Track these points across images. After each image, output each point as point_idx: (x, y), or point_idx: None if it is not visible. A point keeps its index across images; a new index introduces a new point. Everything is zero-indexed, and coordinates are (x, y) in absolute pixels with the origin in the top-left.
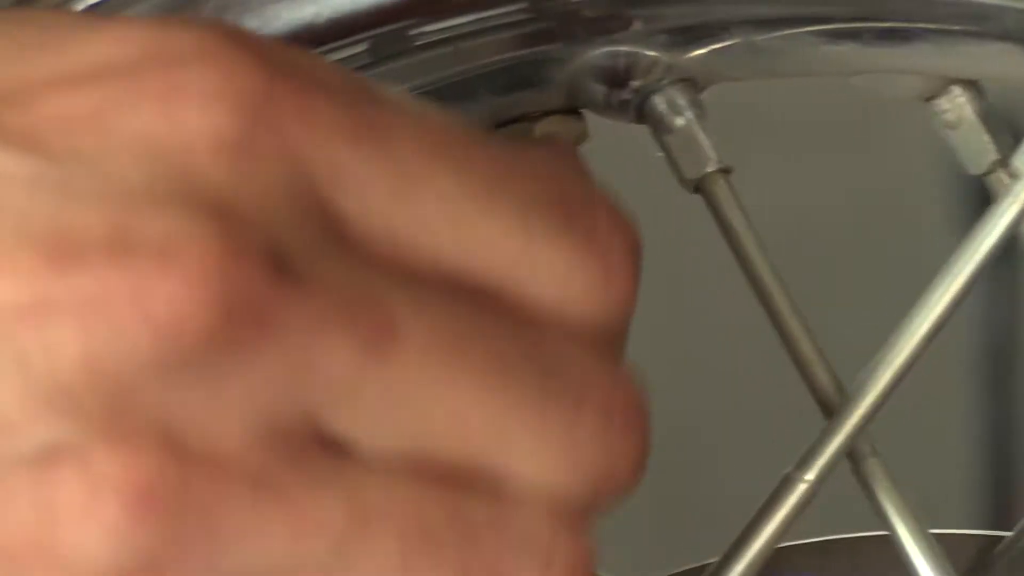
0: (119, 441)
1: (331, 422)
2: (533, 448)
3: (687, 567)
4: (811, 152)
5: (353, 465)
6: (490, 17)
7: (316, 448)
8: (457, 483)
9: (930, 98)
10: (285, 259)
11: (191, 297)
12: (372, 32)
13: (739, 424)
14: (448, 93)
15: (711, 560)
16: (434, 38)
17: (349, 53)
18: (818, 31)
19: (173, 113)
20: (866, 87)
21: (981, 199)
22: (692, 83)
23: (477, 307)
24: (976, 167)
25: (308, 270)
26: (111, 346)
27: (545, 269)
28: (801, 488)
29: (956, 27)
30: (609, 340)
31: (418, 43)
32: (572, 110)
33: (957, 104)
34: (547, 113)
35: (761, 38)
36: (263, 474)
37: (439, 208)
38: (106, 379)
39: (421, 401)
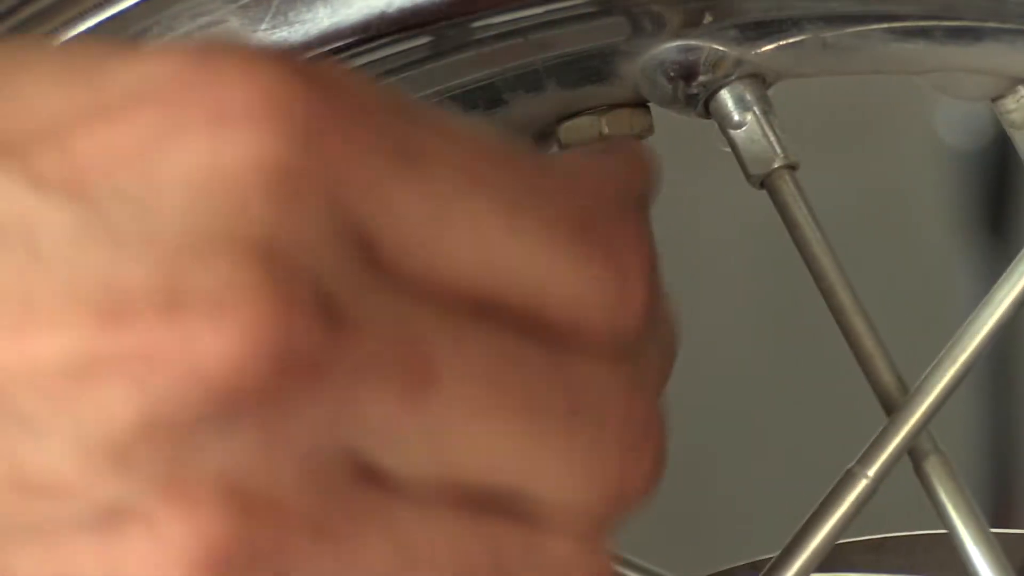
0: (182, 500)
1: (372, 457)
2: (560, 471)
3: (747, 561)
4: (812, 151)
5: (395, 499)
6: (560, 9)
7: (360, 485)
8: (490, 511)
9: (996, 98)
10: (332, 303)
11: (244, 352)
12: (443, 22)
13: (749, 425)
14: (516, 85)
15: (769, 555)
16: (504, 29)
17: (415, 44)
18: (889, 28)
19: (218, 140)
20: (933, 86)
21: (982, 200)
22: (760, 79)
23: (506, 338)
24: None
25: (353, 312)
26: (165, 404)
27: (564, 285)
28: (862, 484)
29: None
30: (627, 354)
31: (488, 34)
32: (639, 104)
33: (1023, 104)
34: (614, 106)
35: (831, 34)
36: (319, 517)
37: (469, 230)
38: (163, 437)
39: (457, 435)
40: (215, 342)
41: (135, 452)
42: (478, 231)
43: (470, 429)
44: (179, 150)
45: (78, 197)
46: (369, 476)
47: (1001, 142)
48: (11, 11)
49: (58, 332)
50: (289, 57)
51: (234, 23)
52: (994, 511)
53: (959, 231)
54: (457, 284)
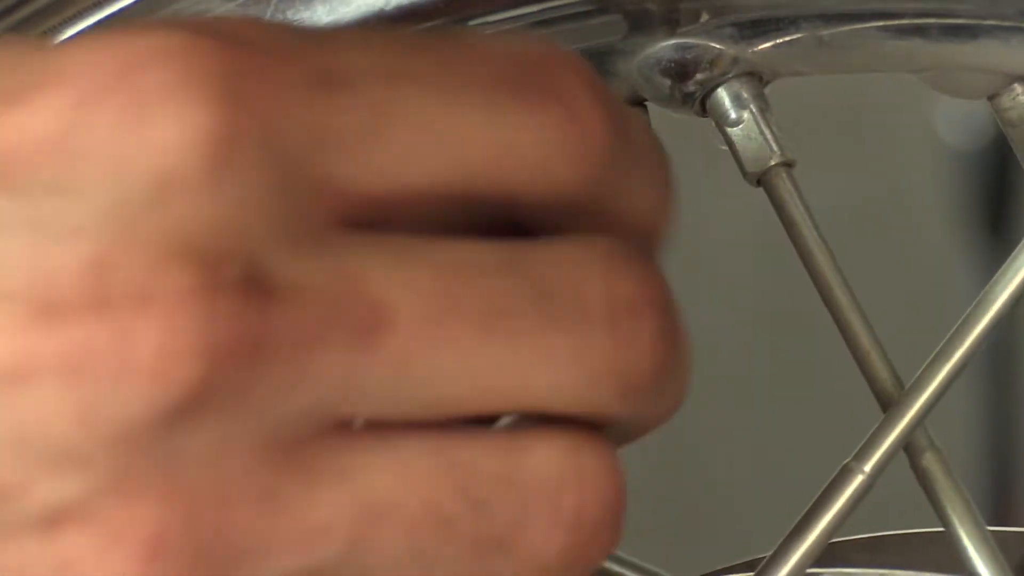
0: (123, 494)
1: (335, 411)
2: (545, 378)
3: (744, 559)
4: (812, 151)
5: (361, 450)
6: (556, 8)
7: (320, 446)
8: (467, 442)
9: (992, 96)
10: (264, 275)
11: (176, 344)
12: (440, 21)
13: (749, 424)
14: None
15: (766, 554)
16: (500, 28)
17: None
18: (885, 26)
19: (140, 122)
20: (929, 84)
21: (982, 200)
22: (757, 77)
23: (457, 247)
24: None
25: (289, 276)
26: (102, 401)
27: (521, 144)
28: (858, 479)
29: (1023, 24)
30: (603, 205)
31: (484, 32)
32: (636, 102)
33: (1019, 102)
34: None
35: (827, 32)
36: (269, 491)
37: (410, 127)
38: (101, 433)
39: (424, 367)
40: (145, 337)
41: (75, 450)
42: (418, 125)
43: (439, 358)
44: (100, 135)
45: (2, 187)
46: (339, 430)
47: (1001, 142)
48: (9, 10)
49: None
50: (199, 24)
51: None
52: (994, 510)
53: (959, 231)
54: (416, 187)
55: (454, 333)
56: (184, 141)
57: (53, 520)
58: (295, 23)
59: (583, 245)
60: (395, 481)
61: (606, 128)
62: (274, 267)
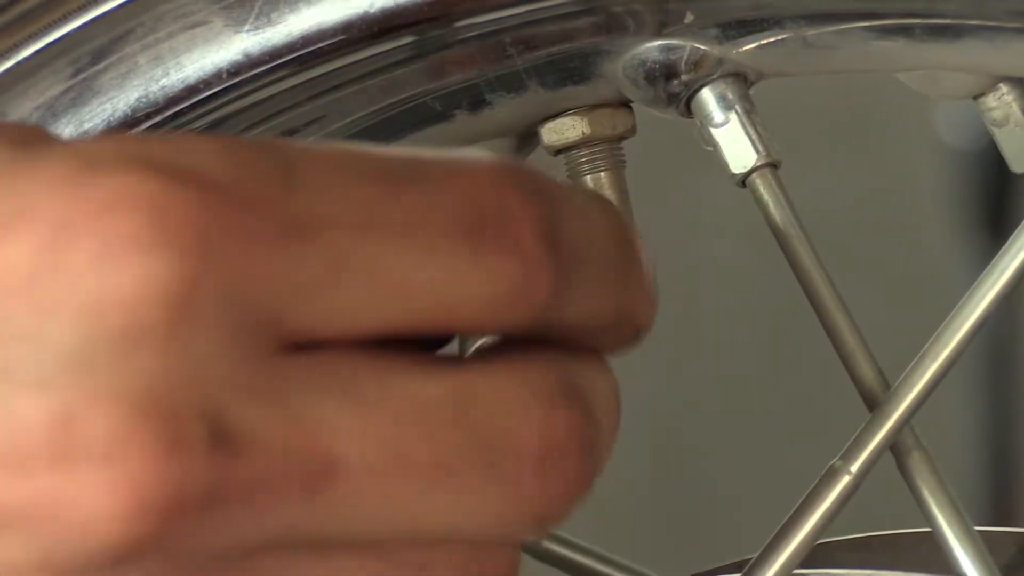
0: None
1: (290, 545)
2: (476, 520)
3: (732, 560)
4: (812, 152)
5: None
6: (542, 9)
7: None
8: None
9: (977, 96)
10: (226, 429)
11: (136, 501)
12: (424, 23)
13: (745, 421)
14: (498, 86)
15: (751, 556)
16: (485, 29)
17: (397, 44)
18: (869, 26)
19: (106, 272)
20: (915, 85)
21: (982, 200)
22: (742, 78)
23: (410, 382)
24: (1020, 165)
25: (248, 428)
26: (60, 553)
27: (472, 292)
28: (845, 480)
29: (1008, 24)
30: (550, 329)
31: (469, 34)
32: (621, 103)
33: (1004, 102)
34: (596, 106)
35: (812, 33)
36: None
37: (369, 280)
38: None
39: (371, 511)
40: (104, 496)
41: None
42: (377, 275)
43: (383, 507)
44: (67, 282)
45: None
46: (289, 556)
47: None
48: None
49: None
50: (169, 162)
51: (218, 24)
52: (993, 510)
53: (959, 231)
54: (367, 329)
55: (399, 486)
56: (147, 295)
57: None
58: (281, 25)
59: (524, 380)
60: None
61: (553, 271)
62: (233, 418)
